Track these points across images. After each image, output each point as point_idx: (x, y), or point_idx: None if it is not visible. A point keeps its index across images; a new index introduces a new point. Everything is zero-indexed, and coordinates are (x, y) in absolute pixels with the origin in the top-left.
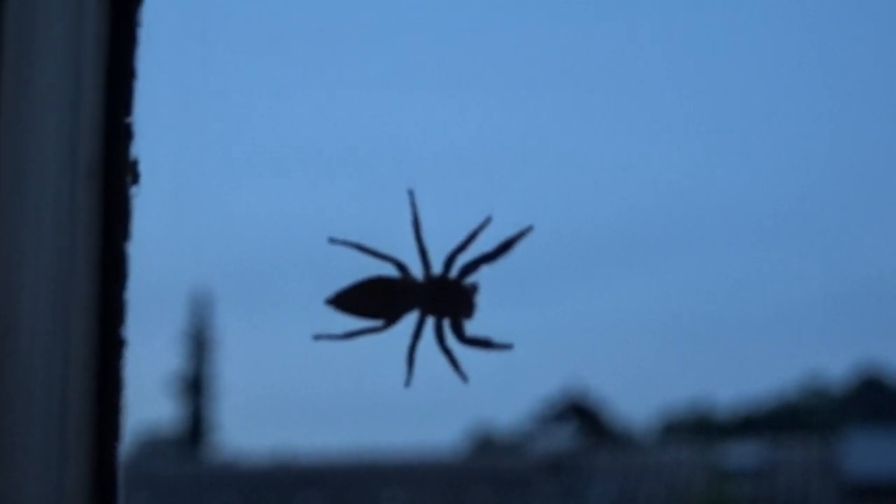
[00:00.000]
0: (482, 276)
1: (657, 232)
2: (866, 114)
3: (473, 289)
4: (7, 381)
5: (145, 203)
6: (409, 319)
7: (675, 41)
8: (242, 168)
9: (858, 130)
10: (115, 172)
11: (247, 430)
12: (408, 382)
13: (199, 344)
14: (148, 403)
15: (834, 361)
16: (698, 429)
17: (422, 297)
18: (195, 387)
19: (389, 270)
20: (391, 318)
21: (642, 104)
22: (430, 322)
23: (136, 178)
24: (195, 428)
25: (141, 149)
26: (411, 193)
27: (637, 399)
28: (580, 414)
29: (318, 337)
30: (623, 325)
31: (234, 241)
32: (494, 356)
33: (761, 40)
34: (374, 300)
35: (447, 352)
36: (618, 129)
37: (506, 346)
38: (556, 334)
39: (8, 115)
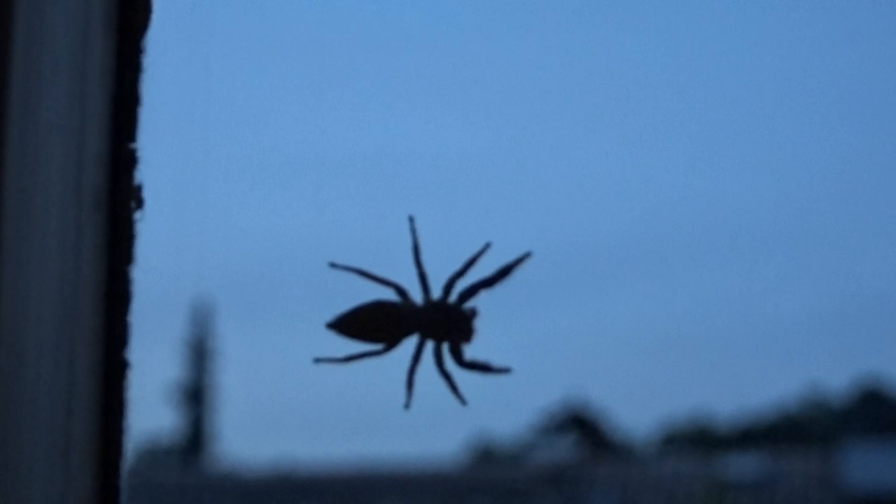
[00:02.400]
0: (481, 301)
1: (658, 244)
2: (867, 123)
3: (473, 313)
4: (12, 405)
5: (147, 216)
6: (409, 343)
7: (673, 54)
8: (244, 178)
9: (860, 142)
10: (119, 198)
11: (247, 439)
12: (407, 405)
13: (200, 353)
14: (148, 413)
15: (834, 374)
16: (698, 440)
17: (421, 321)
18: (196, 396)
19: (389, 295)
20: (391, 342)
21: (641, 117)
22: (429, 346)
23: (140, 204)
24: (195, 437)
25: (143, 168)
26: (412, 220)
27: (637, 410)
28: (580, 425)
29: (318, 360)
30: (623, 337)
31: (235, 251)
32: (493, 379)
33: (758, 55)
34: (374, 325)
35: (446, 376)
36: (618, 142)
37: (504, 370)
38: (557, 345)
39: (14, 140)
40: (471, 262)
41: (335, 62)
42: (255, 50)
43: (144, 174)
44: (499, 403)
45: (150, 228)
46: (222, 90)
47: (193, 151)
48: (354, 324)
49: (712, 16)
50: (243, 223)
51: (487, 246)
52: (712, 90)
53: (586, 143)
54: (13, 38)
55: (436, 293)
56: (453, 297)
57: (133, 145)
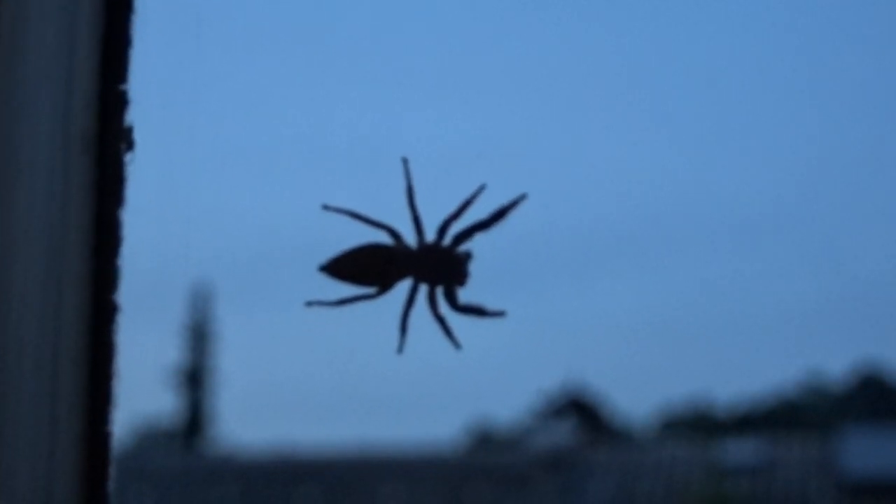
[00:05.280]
0: (475, 245)
1: (657, 228)
2: (863, 109)
3: (467, 256)
4: None
5: (146, 192)
6: (402, 287)
7: (666, 41)
8: (244, 160)
9: (857, 128)
10: (109, 140)
11: (246, 423)
12: (400, 349)
13: (199, 336)
14: (146, 395)
15: (833, 360)
16: (697, 426)
17: (415, 264)
18: (194, 379)
19: (382, 238)
20: (384, 285)
21: (640, 104)
22: (423, 290)
23: (130, 146)
24: (194, 420)
25: (139, 123)
26: (405, 161)
27: (636, 395)
28: (579, 410)
29: (310, 303)
30: (622, 322)
31: (234, 234)
32: (488, 322)
33: (751, 42)
34: (367, 267)
35: (440, 319)
36: (619, 128)
37: (499, 314)
38: (556, 330)
39: (1, 80)
40: (465, 205)
41: (336, 42)
42: (254, 24)
43: (140, 131)
44: (497, 388)
45: (146, 211)
46: (220, 68)
47: (190, 130)
48: (347, 266)
49: (705, 5)
50: (242, 204)
51: (482, 188)
52: (711, 78)
53: (587, 129)
54: None
55: (429, 236)
56: (447, 240)
57: (123, 86)
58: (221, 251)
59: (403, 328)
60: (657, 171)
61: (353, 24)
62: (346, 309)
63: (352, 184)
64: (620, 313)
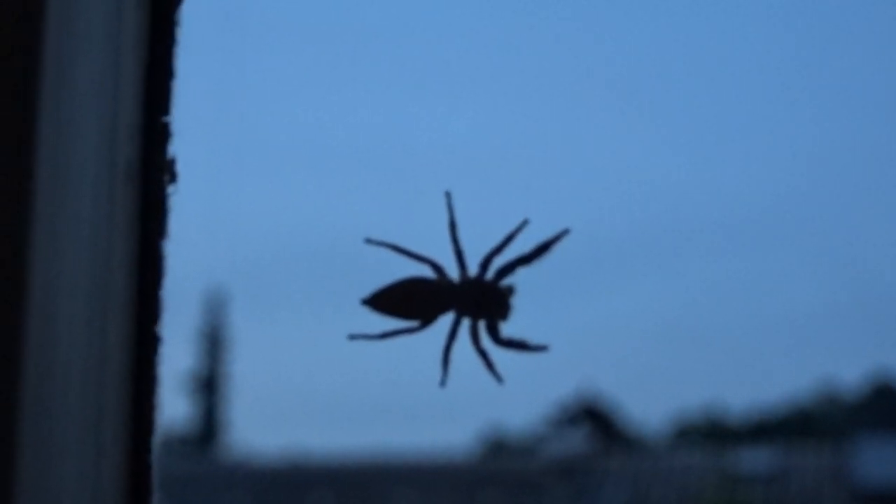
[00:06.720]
0: (518, 279)
1: (671, 237)
2: (885, 113)
3: (509, 291)
4: (45, 377)
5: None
6: (444, 320)
7: (678, 45)
8: (259, 167)
9: (876, 134)
10: (152, 171)
11: (260, 429)
12: (443, 382)
13: (214, 343)
14: (161, 401)
15: (847, 368)
16: (711, 434)
17: (458, 298)
18: (209, 385)
19: (425, 271)
20: (427, 318)
21: (653, 110)
22: (465, 323)
23: (173, 177)
24: (208, 426)
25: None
26: (448, 195)
27: (650, 403)
28: (593, 417)
29: (353, 337)
30: (637, 330)
31: (249, 241)
32: (529, 357)
33: (758, 44)
34: (410, 301)
35: (483, 353)
36: (632, 135)
37: (542, 348)
38: (570, 338)
39: (47, 112)
40: (508, 239)
41: (362, 50)
42: (280, 35)
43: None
44: (512, 396)
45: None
46: (239, 77)
47: (204, 136)
48: (391, 300)
49: (705, 5)
50: (257, 211)
51: (525, 222)
52: (724, 80)
53: (601, 136)
54: (47, 10)
55: (472, 270)
56: (490, 274)
57: (166, 118)
58: (236, 257)
59: (446, 362)
60: (667, 175)
61: (362, 29)
62: (389, 342)
63: (356, 188)
64: (634, 321)
